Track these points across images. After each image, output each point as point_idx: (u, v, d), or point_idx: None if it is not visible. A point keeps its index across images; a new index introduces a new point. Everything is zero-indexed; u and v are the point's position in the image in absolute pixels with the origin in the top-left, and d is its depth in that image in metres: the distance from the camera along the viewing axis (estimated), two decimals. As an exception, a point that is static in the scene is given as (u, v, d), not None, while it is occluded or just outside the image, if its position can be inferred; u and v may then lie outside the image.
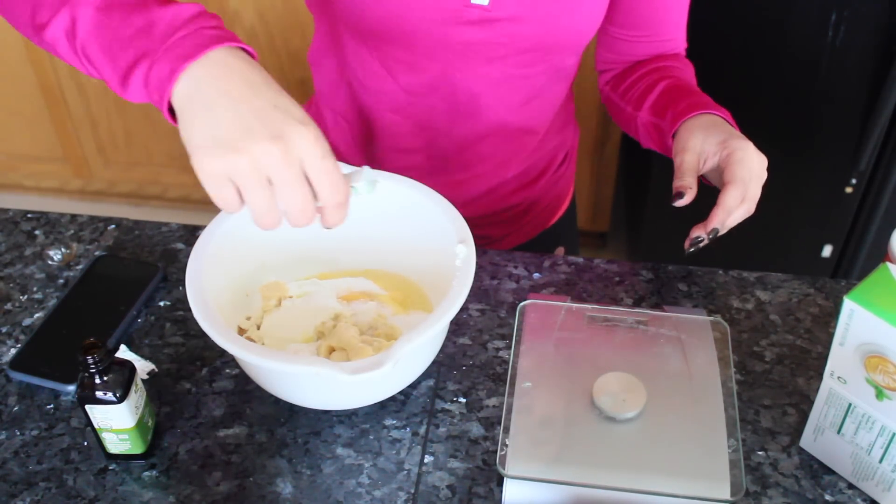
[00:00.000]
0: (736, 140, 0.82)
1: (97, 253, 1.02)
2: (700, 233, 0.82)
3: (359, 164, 0.82)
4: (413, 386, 0.86)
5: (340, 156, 1.09)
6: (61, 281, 0.99)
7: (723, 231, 0.82)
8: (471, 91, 0.96)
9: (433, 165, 1.05)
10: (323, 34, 1.01)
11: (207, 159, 0.61)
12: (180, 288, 0.97)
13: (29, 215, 1.07)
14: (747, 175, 0.80)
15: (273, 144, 0.60)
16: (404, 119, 1.01)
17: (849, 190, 1.80)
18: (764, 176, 0.82)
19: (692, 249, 0.83)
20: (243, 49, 0.66)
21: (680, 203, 0.82)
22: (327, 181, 0.63)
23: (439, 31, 0.90)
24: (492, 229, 1.15)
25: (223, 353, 0.89)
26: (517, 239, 1.18)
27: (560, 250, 1.23)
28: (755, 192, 0.81)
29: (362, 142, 1.07)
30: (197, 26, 0.65)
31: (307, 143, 0.62)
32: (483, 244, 1.13)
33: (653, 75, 0.98)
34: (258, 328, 0.87)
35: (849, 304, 0.69)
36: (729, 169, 0.81)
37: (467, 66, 0.94)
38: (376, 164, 1.05)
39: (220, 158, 0.61)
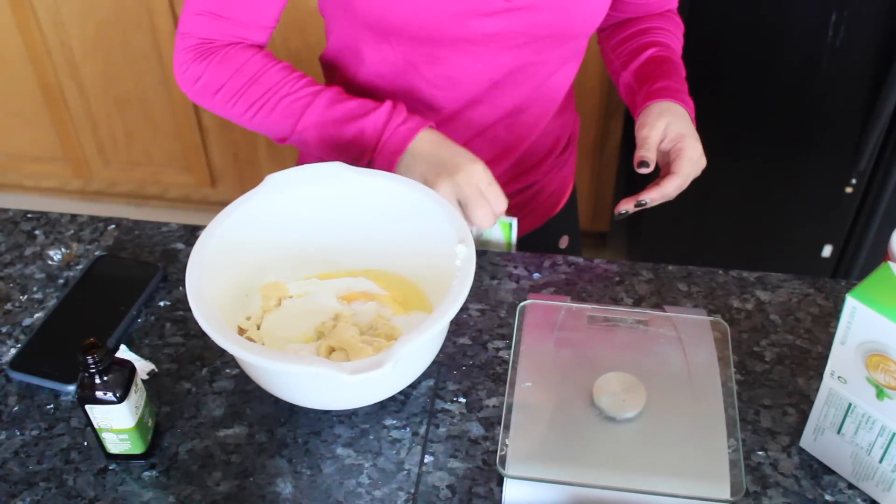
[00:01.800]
0: (691, 138, 0.96)
1: (97, 253, 1.02)
2: (628, 206, 0.95)
3: None
4: (413, 386, 0.86)
5: None
6: (61, 281, 0.99)
7: (649, 205, 0.96)
8: (491, 80, 0.99)
9: None
10: (340, 36, 1.03)
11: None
12: (180, 288, 0.97)
13: (29, 215, 1.07)
14: (690, 171, 0.96)
15: (456, 177, 0.88)
16: (427, 111, 1.03)
17: (849, 190, 1.80)
18: (698, 174, 0.98)
19: (619, 217, 0.97)
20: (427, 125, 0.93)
21: (644, 171, 0.95)
22: (494, 195, 0.89)
23: (460, 23, 0.93)
24: None
25: (223, 353, 0.89)
26: (523, 228, 1.20)
27: (564, 239, 1.26)
28: (686, 185, 0.97)
29: None
30: (393, 126, 0.92)
31: (479, 173, 0.89)
32: None
33: (643, 37, 1.08)
34: (258, 328, 0.86)
35: (851, 302, 0.69)
36: (678, 161, 0.95)
37: (488, 57, 0.97)
38: None
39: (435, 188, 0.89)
